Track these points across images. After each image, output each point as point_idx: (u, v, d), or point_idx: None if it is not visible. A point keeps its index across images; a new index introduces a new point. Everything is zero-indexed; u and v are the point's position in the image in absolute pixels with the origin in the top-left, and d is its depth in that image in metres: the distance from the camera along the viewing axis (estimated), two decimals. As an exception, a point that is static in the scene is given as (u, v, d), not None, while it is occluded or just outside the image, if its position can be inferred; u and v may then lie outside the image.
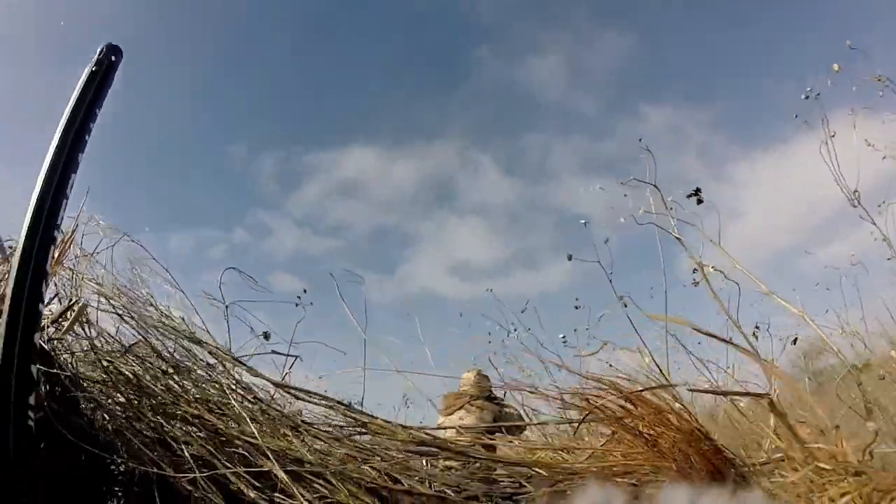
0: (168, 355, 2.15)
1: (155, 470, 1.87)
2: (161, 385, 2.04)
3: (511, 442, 2.49)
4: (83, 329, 2.12)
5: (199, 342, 2.14)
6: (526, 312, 5.29)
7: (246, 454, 1.87)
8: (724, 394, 2.41)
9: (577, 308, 5.07)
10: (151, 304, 2.30)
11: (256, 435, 1.85)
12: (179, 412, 1.98)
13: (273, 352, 3.09)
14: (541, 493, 2.07)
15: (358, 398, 4.00)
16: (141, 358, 2.14)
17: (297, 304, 3.44)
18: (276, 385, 2.16)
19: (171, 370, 2.12)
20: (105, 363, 2.03)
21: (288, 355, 3.06)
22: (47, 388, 2.01)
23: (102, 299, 2.22)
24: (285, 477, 1.78)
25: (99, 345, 2.17)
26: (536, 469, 2.15)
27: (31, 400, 1.56)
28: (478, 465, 2.15)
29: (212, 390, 2.06)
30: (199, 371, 2.17)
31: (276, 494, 1.82)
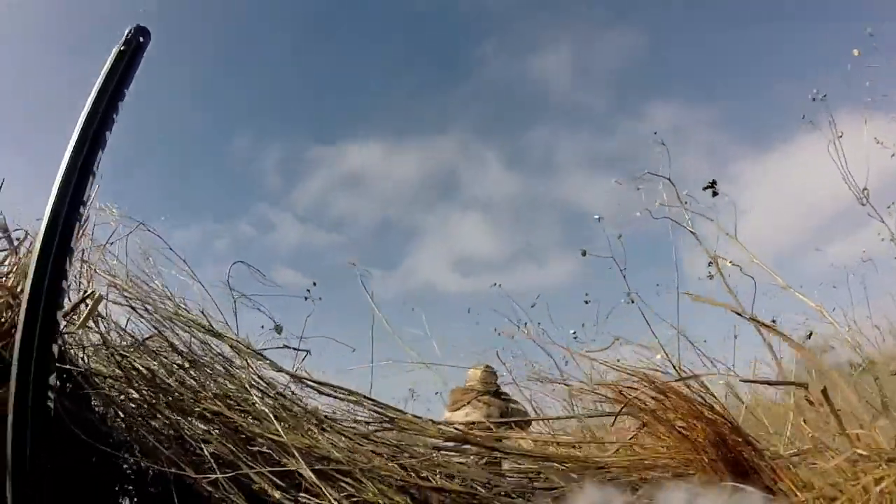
0: (185, 349, 2.06)
1: (173, 470, 1.79)
2: (176, 380, 1.95)
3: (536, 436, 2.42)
4: (95, 323, 2.02)
5: (219, 335, 2.05)
6: (535, 308, 5.24)
7: (269, 452, 1.79)
8: (770, 383, 2.36)
9: (587, 303, 5.03)
10: (168, 297, 2.21)
11: (281, 432, 1.77)
12: (198, 409, 1.90)
13: (285, 346, 3.03)
14: (572, 488, 2.02)
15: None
16: (156, 352, 2.05)
17: (306, 299, 3.39)
18: (300, 379, 2.07)
19: (187, 364, 2.03)
20: (119, 357, 1.94)
21: (299, 350, 3.00)
22: (58, 383, 1.91)
23: (115, 291, 2.12)
24: (312, 476, 1.71)
25: (112, 338, 2.07)
26: (566, 464, 2.09)
27: (52, 380, 1.47)
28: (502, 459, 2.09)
29: (231, 385, 1.97)
30: (217, 365, 2.09)
31: (302, 494, 1.74)
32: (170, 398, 1.92)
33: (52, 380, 1.50)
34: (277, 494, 1.72)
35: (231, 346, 2.02)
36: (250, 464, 1.75)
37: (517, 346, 4.70)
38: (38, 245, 1.37)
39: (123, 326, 2.20)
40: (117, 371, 1.93)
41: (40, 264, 1.39)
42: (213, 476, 1.70)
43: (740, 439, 2.14)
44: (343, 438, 1.93)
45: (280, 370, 2.07)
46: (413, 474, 1.85)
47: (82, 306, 1.91)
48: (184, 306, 2.16)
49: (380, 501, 1.73)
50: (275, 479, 1.75)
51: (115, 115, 1.60)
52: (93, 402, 1.98)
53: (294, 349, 3.02)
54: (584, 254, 4.01)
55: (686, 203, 3.96)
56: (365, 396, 2.04)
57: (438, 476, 1.80)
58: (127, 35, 1.53)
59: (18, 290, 1.99)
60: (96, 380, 2.02)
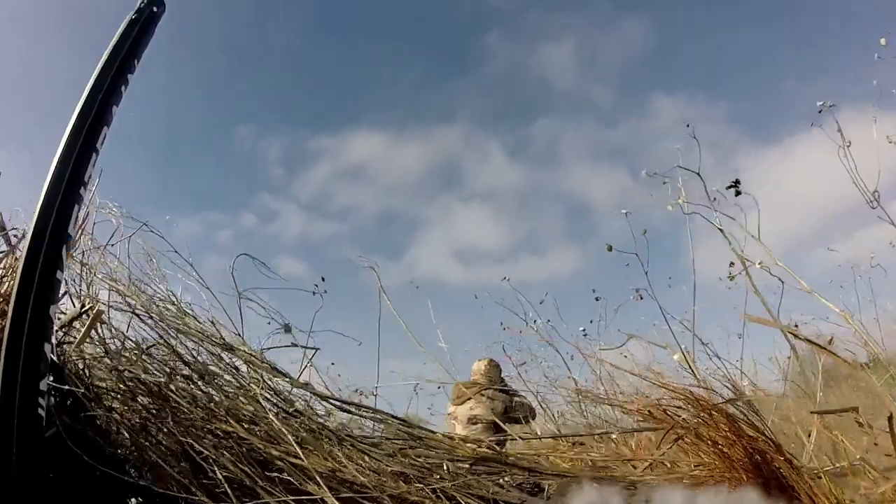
0: (191, 359, 1.90)
1: (183, 495, 1.64)
2: (185, 394, 1.80)
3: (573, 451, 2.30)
4: (97, 331, 1.86)
5: (230, 348, 1.89)
6: (542, 303, 5.16)
7: (288, 478, 1.65)
8: (830, 412, 2.23)
9: (597, 300, 4.93)
10: (173, 303, 2.04)
11: (301, 455, 1.62)
12: (208, 427, 1.75)
13: (293, 344, 2.90)
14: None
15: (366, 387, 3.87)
16: (162, 362, 1.89)
17: (314, 293, 3.29)
18: (323, 397, 1.93)
19: (195, 377, 1.87)
20: (122, 369, 1.78)
21: (307, 347, 2.87)
22: (57, 398, 1.76)
23: (117, 296, 1.96)
24: None
25: (115, 347, 1.91)
26: (601, 481, 1.97)
27: (44, 385, 1.31)
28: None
29: (243, 400, 1.82)
30: (227, 377, 1.93)
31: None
32: (178, 415, 1.76)
33: (44, 384, 1.35)
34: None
35: (245, 361, 1.87)
36: (269, 489, 1.61)
37: (522, 341, 4.63)
38: (31, 229, 1.20)
39: (126, 333, 2.05)
40: (121, 385, 1.77)
41: (33, 249, 1.23)
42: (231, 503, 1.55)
43: (781, 458, 2.04)
44: (366, 458, 1.79)
45: (299, 385, 1.92)
46: (442, 495, 1.73)
47: (82, 319, 1.74)
48: (191, 313, 2.00)
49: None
50: (296, 505, 1.61)
51: (123, 88, 1.45)
52: (97, 420, 1.83)
53: (303, 347, 2.90)
54: (609, 249, 3.90)
55: (714, 199, 3.86)
56: (392, 416, 1.90)
57: (473, 500, 1.67)
58: (140, 3, 1.39)
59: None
60: (99, 391, 1.87)
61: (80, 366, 1.81)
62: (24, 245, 1.26)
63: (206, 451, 1.66)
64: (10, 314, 1.26)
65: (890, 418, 1.86)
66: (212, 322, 1.98)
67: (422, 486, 1.66)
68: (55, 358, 1.59)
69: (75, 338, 1.91)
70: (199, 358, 1.89)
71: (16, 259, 1.85)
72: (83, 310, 1.68)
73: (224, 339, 1.92)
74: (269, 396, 1.80)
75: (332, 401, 1.93)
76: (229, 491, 1.60)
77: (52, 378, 1.68)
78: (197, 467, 1.70)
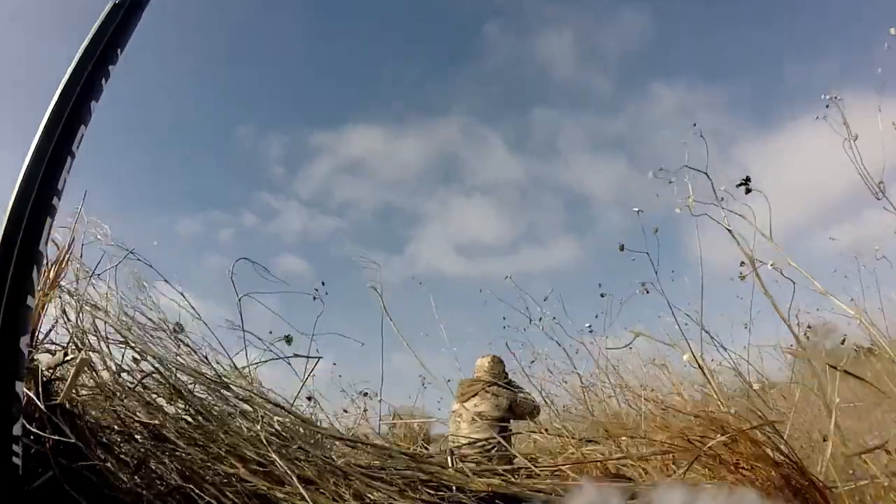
0: (188, 393, 1.81)
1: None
2: (184, 432, 1.71)
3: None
4: (90, 367, 1.76)
5: (226, 386, 1.80)
6: (546, 300, 5.08)
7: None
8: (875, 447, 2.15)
9: (602, 296, 4.85)
10: (163, 329, 1.94)
11: (306, 497, 1.54)
12: (210, 466, 1.67)
13: (296, 355, 2.85)
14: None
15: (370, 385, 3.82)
16: (158, 394, 1.81)
17: (314, 298, 3.24)
18: (327, 435, 1.84)
19: (193, 411, 1.79)
20: (117, 408, 1.69)
21: (309, 357, 2.82)
22: (50, 444, 1.67)
23: (108, 324, 1.86)
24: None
25: (108, 379, 1.82)
26: None
27: (17, 429, 1.19)
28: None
29: (245, 435, 1.74)
30: (226, 406, 1.85)
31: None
32: (177, 454, 1.69)
33: (17, 429, 1.23)
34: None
35: (244, 400, 1.78)
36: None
37: (526, 336, 4.58)
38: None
39: (121, 363, 1.95)
40: (115, 426, 1.69)
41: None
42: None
43: (805, 482, 1.98)
44: (375, 493, 1.72)
45: (306, 422, 1.83)
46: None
47: (68, 366, 1.64)
48: (187, 343, 1.91)
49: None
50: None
51: (104, 82, 1.30)
52: (91, 459, 1.74)
53: (305, 357, 2.83)
54: (621, 248, 3.79)
55: (722, 199, 3.73)
56: (404, 453, 1.82)
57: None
58: (122, -10, 1.18)
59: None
60: (94, 429, 1.78)
61: (74, 405, 1.72)
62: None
63: (206, 496, 1.58)
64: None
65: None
66: (205, 358, 1.88)
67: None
68: (41, 405, 1.49)
69: (68, 372, 1.82)
70: (196, 393, 1.80)
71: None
72: (66, 359, 1.57)
73: (220, 377, 1.83)
74: (271, 434, 1.71)
75: (336, 438, 1.84)
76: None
77: (34, 423, 1.59)
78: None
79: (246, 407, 1.77)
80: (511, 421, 4.02)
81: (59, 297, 1.86)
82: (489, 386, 4.08)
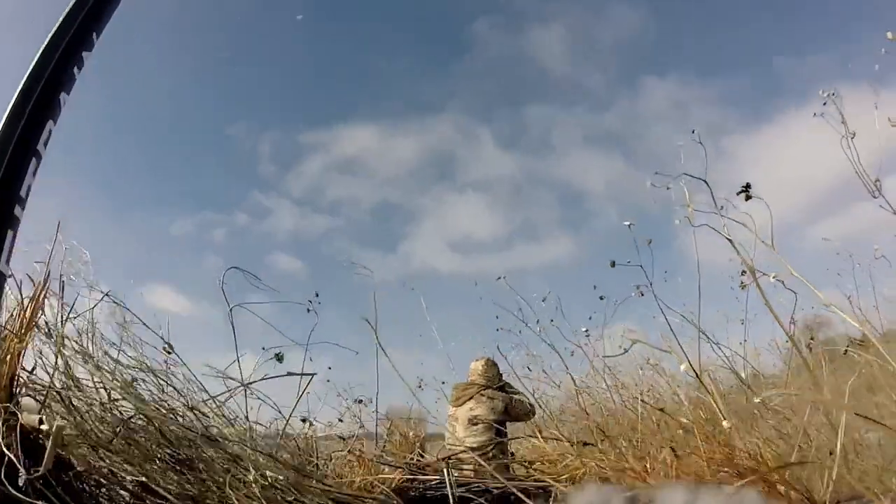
0: (176, 439, 1.75)
1: None
2: (173, 482, 1.66)
3: None
4: (73, 411, 1.69)
5: (213, 440, 1.73)
6: (545, 301, 5.04)
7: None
8: None
9: (601, 298, 4.81)
10: (148, 370, 1.87)
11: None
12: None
13: (289, 373, 2.80)
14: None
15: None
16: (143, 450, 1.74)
17: (308, 310, 3.18)
18: (323, 490, 1.79)
19: (184, 456, 1.73)
20: (102, 462, 1.63)
21: (303, 374, 2.77)
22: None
23: (88, 371, 1.78)
24: None
25: (89, 427, 1.75)
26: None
27: None
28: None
29: (241, 486, 1.69)
30: (219, 453, 1.80)
31: None
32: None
33: None
34: None
35: (231, 453, 1.72)
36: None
37: (518, 338, 4.58)
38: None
39: (107, 404, 1.88)
40: (102, 477, 1.63)
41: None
42: None
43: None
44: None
45: (298, 472, 1.78)
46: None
47: (41, 435, 1.56)
48: (171, 386, 1.83)
49: None
50: None
51: (77, 71, 1.18)
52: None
53: (299, 374, 2.79)
54: (612, 265, 3.72)
55: (722, 207, 3.66)
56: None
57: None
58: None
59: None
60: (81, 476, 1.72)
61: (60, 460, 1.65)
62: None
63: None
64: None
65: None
66: (191, 408, 1.81)
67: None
68: (25, 475, 1.42)
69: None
70: (184, 440, 1.74)
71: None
72: (42, 430, 1.49)
73: (207, 431, 1.76)
74: (264, 486, 1.66)
75: (329, 492, 1.80)
76: None
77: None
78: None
79: (237, 450, 1.71)
80: (507, 424, 4.03)
81: (36, 339, 1.77)
82: (484, 389, 4.08)
